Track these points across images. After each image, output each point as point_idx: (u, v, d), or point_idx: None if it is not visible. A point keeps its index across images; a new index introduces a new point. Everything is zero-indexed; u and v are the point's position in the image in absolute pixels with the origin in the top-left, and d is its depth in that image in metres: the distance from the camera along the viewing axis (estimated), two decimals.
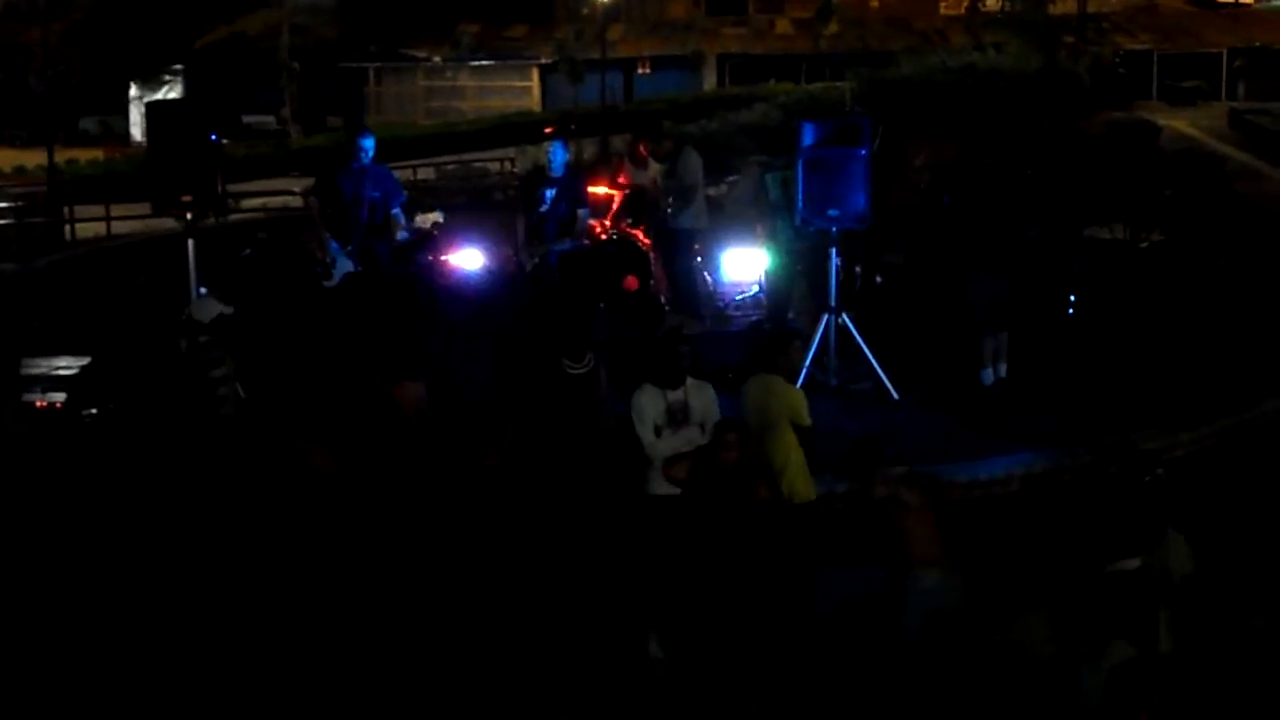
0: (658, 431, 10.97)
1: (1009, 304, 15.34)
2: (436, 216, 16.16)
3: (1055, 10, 58.61)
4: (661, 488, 10.81)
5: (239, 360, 12.19)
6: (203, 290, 14.00)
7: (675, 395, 11.06)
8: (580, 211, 16.96)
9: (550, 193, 16.87)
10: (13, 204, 32.38)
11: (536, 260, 16.87)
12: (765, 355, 11.52)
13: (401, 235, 15.94)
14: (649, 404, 11.00)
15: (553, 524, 10.78)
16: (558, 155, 17.17)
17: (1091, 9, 59.67)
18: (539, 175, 17.52)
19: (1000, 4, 62.92)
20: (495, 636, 9.90)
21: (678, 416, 11.00)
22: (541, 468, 11.26)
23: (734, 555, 10.03)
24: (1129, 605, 8.72)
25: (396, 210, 16.04)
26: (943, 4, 74.92)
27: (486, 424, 11.48)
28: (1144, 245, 20.18)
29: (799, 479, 11.05)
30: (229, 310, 12.44)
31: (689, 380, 11.25)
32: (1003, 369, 15.44)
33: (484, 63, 70.17)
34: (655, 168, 18.69)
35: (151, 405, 12.27)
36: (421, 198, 25.86)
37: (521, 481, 10.99)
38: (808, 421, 11.12)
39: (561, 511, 10.88)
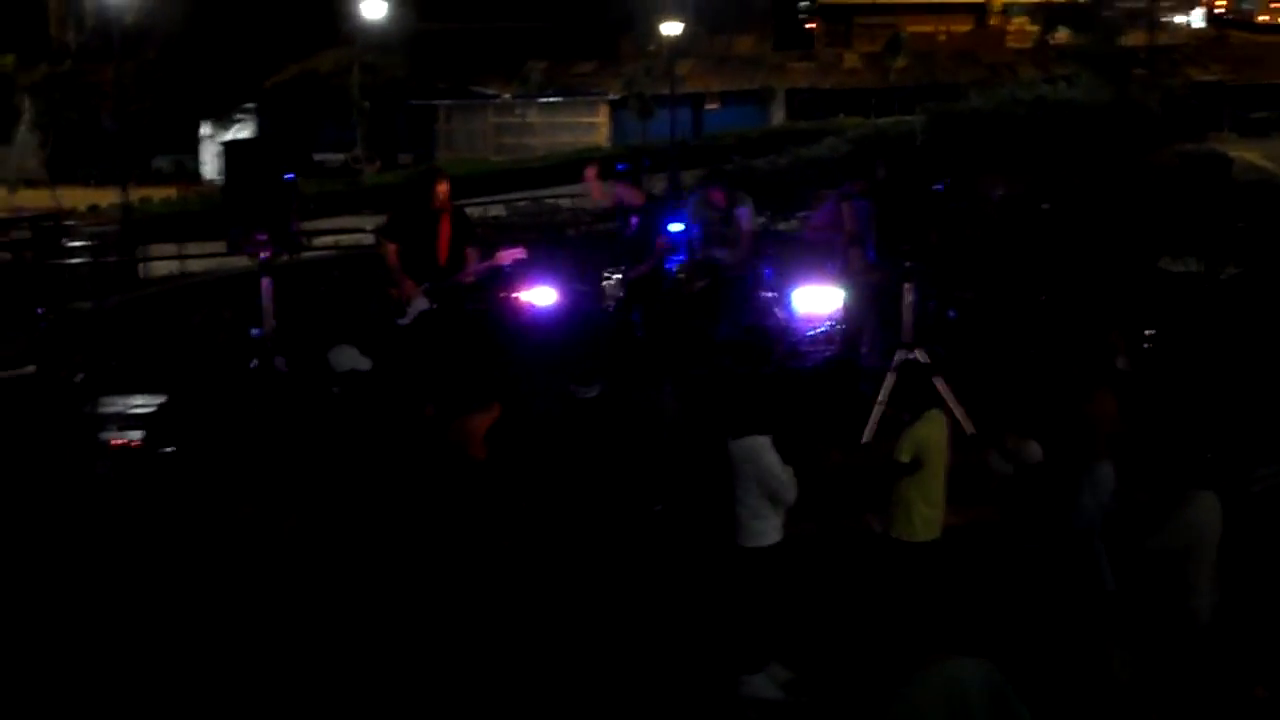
0: None
1: None
2: (519, 253, 16.12)
3: (1125, 42, 58.47)
4: (773, 537, 10.64)
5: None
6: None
7: None
8: (660, 241, 17.08)
9: (635, 220, 17.08)
10: (87, 243, 32.53)
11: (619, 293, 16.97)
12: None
13: (469, 277, 15.90)
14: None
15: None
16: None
17: (1162, 41, 59.49)
18: (622, 206, 17.63)
19: (1070, 37, 62.83)
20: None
21: None
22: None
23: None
24: None
25: (468, 251, 16.03)
26: (1011, 37, 74.89)
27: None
28: (1223, 278, 19.97)
29: None
30: (365, 366, 12.46)
31: None
32: None
33: (553, 99, 70.45)
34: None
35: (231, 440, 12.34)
36: (495, 235, 25.87)
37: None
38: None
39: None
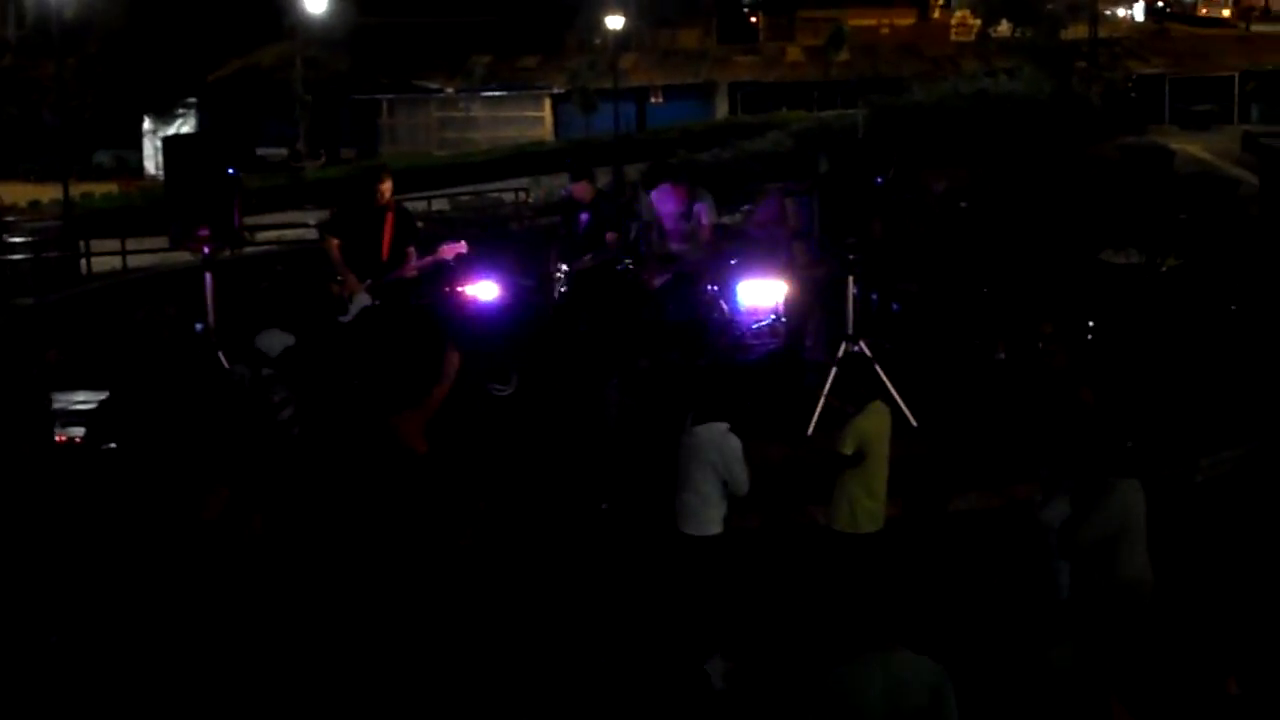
0: None
1: None
2: (460, 247, 16.06)
3: (1067, 36, 58.78)
4: (717, 528, 10.66)
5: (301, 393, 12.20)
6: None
7: None
8: (609, 235, 17.09)
9: (584, 216, 17.12)
10: (28, 239, 32.33)
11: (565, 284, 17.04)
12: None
13: (411, 272, 15.87)
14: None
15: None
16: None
17: (1103, 34, 59.82)
18: (572, 201, 17.64)
19: (1012, 30, 63.09)
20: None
21: None
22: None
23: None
24: None
25: (409, 249, 16.00)
26: (954, 30, 75.12)
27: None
28: (1164, 270, 20.05)
29: None
30: (292, 342, 12.41)
31: None
32: None
33: (496, 93, 70.30)
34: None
35: (179, 438, 12.25)
36: (438, 229, 25.82)
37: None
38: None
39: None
